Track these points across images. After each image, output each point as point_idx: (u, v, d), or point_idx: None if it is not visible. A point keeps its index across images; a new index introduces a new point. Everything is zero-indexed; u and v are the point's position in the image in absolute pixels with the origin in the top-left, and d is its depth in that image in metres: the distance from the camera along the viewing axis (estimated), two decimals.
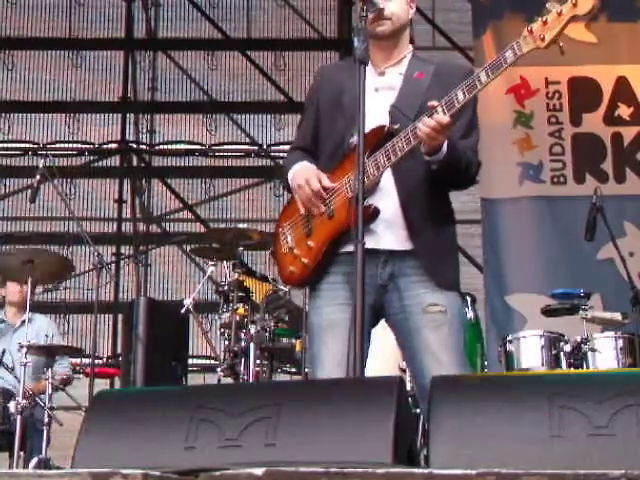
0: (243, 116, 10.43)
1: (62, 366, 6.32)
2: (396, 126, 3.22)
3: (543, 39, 3.07)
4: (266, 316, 6.03)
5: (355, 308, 2.84)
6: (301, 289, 3.47)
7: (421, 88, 3.31)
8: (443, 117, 3.07)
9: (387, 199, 3.24)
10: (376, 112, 3.19)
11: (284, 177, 3.46)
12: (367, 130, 3.11)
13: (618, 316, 5.94)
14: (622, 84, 8.13)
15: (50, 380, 5.82)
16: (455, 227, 3.44)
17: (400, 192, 3.25)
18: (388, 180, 3.25)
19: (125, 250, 10.31)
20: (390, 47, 3.39)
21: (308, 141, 3.49)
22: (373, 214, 3.19)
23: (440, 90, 3.22)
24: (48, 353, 5.98)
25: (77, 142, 10.33)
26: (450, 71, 3.42)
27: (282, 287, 6.07)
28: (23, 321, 6.14)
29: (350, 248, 3.07)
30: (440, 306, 3.22)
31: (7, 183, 10.24)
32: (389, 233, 3.24)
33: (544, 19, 3.08)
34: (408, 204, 3.24)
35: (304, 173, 3.32)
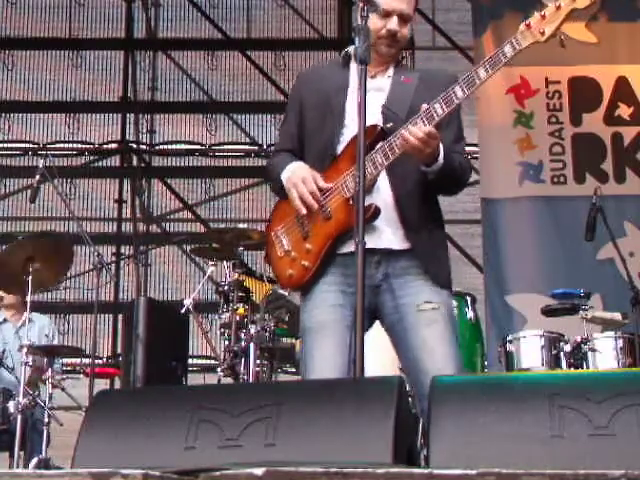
0: (243, 116, 10.43)
1: (56, 367, 6.30)
2: (389, 125, 3.22)
3: (543, 33, 3.08)
4: (266, 316, 6.03)
5: (355, 309, 2.84)
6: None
7: (409, 90, 3.33)
8: (427, 127, 3.09)
9: (383, 198, 3.24)
10: (368, 112, 3.16)
11: (272, 179, 3.43)
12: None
13: (618, 316, 5.94)
14: (622, 84, 8.12)
15: (50, 380, 5.82)
16: (444, 226, 3.46)
17: (395, 191, 3.25)
18: (382, 179, 3.25)
19: (125, 250, 10.31)
20: (387, 59, 3.41)
21: (294, 143, 3.45)
22: (374, 213, 3.18)
23: (427, 93, 3.26)
24: (48, 353, 5.97)
25: (77, 142, 10.34)
26: (434, 77, 3.44)
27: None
28: (25, 321, 6.13)
29: (346, 249, 3.16)
30: (434, 304, 3.22)
31: (7, 183, 10.26)
32: (386, 232, 3.24)
33: (542, 13, 3.09)
34: (403, 203, 3.25)
35: (300, 172, 3.29)
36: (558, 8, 3.07)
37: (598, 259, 7.43)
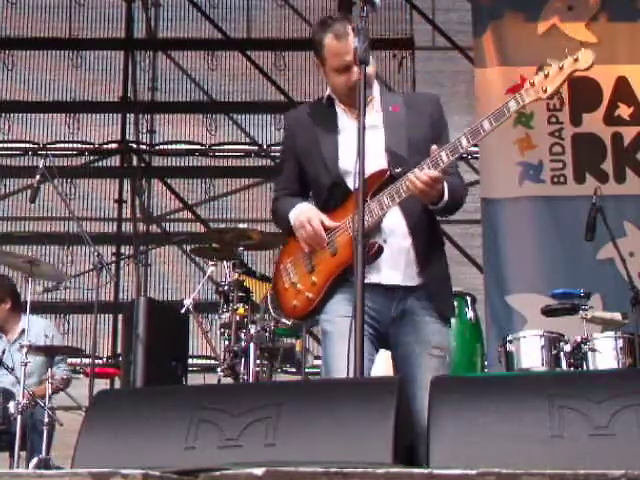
0: (243, 116, 10.43)
1: (61, 369, 6.29)
2: (398, 170, 3.28)
3: (545, 90, 3.24)
4: (266, 316, 6.03)
5: (355, 310, 2.86)
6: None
7: (401, 121, 3.41)
8: (433, 172, 3.18)
9: (399, 237, 3.34)
10: (369, 152, 3.12)
11: (280, 218, 3.55)
12: (368, 173, 3.12)
13: (618, 316, 5.94)
14: (622, 84, 8.12)
15: (50, 381, 5.81)
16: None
17: (411, 229, 3.35)
18: (397, 219, 3.34)
19: (125, 250, 10.30)
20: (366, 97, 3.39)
21: (296, 187, 3.56)
22: (377, 252, 3.27)
23: (416, 119, 3.39)
24: (48, 353, 5.96)
25: (77, 142, 10.34)
26: (419, 101, 3.55)
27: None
28: (21, 331, 6.12)
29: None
30: (441, 350, 3.35)
31: (7, 183, 10.25)
32: (402, 270, 3.34)
33: (546, 73, 3.24)
34: (418, 241, 3.36)
35: (306, 213, 3.40)
36: (561, 69, 3.24)
37: (598, 259, 7.43)
